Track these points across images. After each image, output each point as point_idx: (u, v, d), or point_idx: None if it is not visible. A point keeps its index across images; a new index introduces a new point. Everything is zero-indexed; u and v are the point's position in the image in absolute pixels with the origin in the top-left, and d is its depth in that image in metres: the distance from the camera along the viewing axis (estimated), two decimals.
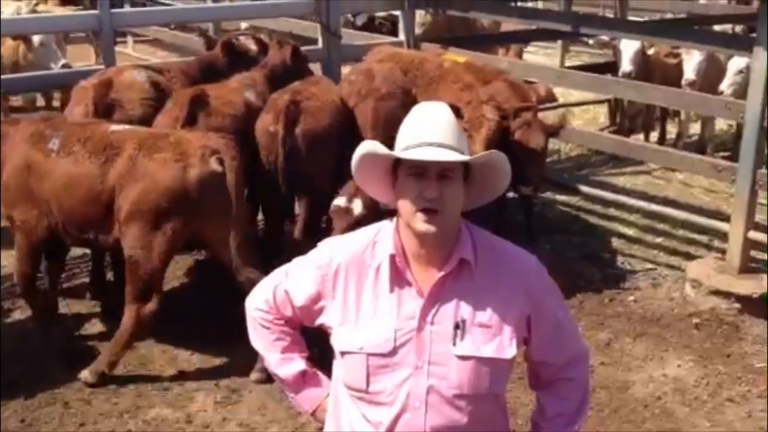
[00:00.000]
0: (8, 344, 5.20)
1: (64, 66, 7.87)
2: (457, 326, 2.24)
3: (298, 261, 2.48)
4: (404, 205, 2.25)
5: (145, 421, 4.56)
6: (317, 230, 5.69)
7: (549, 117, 8.61)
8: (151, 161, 4.76)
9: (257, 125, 5.72)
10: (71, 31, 8.52)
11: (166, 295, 5.67)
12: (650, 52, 8.72)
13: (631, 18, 10.71)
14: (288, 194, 5.85)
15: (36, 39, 7.87)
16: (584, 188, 7.32)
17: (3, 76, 6.74)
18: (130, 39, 12.64)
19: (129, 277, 4.82)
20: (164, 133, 5.03)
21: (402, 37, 7.89)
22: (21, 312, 5.63)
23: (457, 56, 6.91)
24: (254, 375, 4.86)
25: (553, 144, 8.71)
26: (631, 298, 6.06)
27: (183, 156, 4.76)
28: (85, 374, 4.84)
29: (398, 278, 2.28)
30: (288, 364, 2.53)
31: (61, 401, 4.71)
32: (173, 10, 9.20)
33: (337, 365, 2.38)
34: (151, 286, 4.81)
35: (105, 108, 5.66)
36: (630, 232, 7.12)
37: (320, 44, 7.47)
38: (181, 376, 4.94)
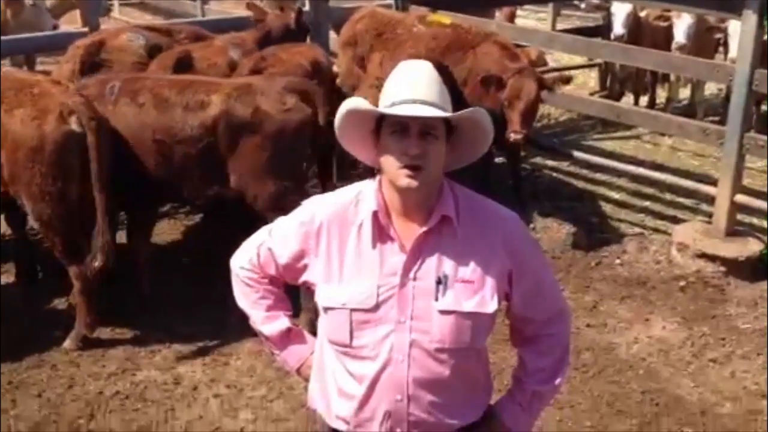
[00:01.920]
0: None
1: (54, 27, 7.79)
2: (439, 281, 2.25)
3: (281, 220, 2.48)
4: (387, 162, 2.25)
5: (133, 383, 4.58)
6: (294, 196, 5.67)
7: None
8: (12, 118, 4.62)
9: None
10: None
11: (155, 259, 5.72)
12: (642, 14, 8.67)
13: None
14: None
15: None
16: (573, 153, 7.31)
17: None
18: (116, 2, 12.50)
19: (47, 242, 4.83)
20: (30, 83, 4.80)
21: None
22: (7, 276, 5.63)
23: (442, 17, 6.86)
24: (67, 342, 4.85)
25: (543, 108, 8.70)
26: (618, 261, 6.10)
27: (41, 113, 4.59)
28: (67, 343, 4.85)
29: (381, 234, 2.29)
30: (273, 322, 2.55)
31: (48, 364, 4.73)
32: None
33: (321, 321, 2.39)
34: (72, 246, 4.73)
35: (92, 67, 5.61)
36: (618, 196, 7.14)
37: (307, 7, 7.40)
38: (170, 339, 4.95)
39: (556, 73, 6.48)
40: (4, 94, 4.68)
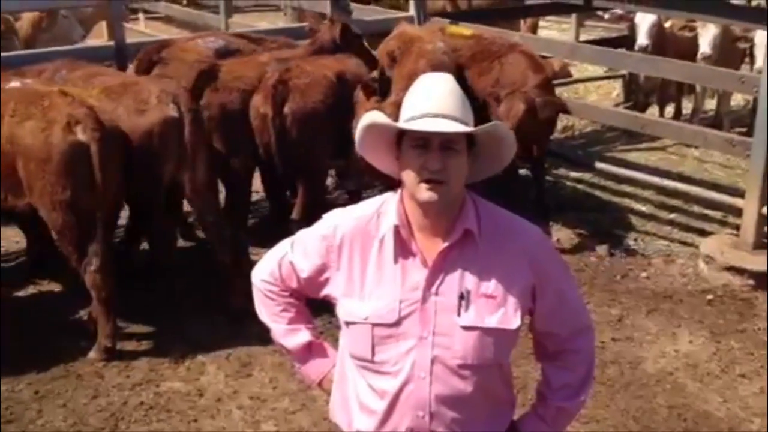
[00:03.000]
0: (22, 318, 5.26)
1: (82, 39, 7.94)
2: (461, 297, 2.24)
3: (302, 233, 2.48)
4: (408, 176, 2.24)
5: (157, 394, 4.60)
6: (317, 210, 5.63)
7: (563, 93, 8.60)
8: (23, 130, 4.73)
9: (250, 106, 5.66)
10: (81, 7, 8.49)
11: (178, 270, 5.75)
12: (667, 25, 8.61)
13: None
14: (286, 175, 5.81)
15: (62, 10, 7.95)
16: (598, 164, 7.27)
17: (17, 52, 6.75)
18: (141, 15, 12.64)
19: (63, 250, 4.92)
20: (42, 95, 4.90)
21: (412, 11, 7.82)
22: (34, 286, 5.68)
23: (463, 28, 6.87)
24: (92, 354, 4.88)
25: (567, 120, 8.68)
26: (644, 274, 6.03)
27: (49, 124, 4.70)
28: (92, 354, 4.88)
29: (403, 249, 2.28)
30: (294, 335, 2.55)
31: (74, 374, 4.76)
32: None
33: (343, 335, 2.39)
34: (85, 254, 4.76)
35: (149, 65, 5.84)
36: (643, 208, 7.08)
37: None
38: (193, 350, 4.97)
39: (570, 85, 6.43)
40: (17, 107, 4.80)
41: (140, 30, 11.43)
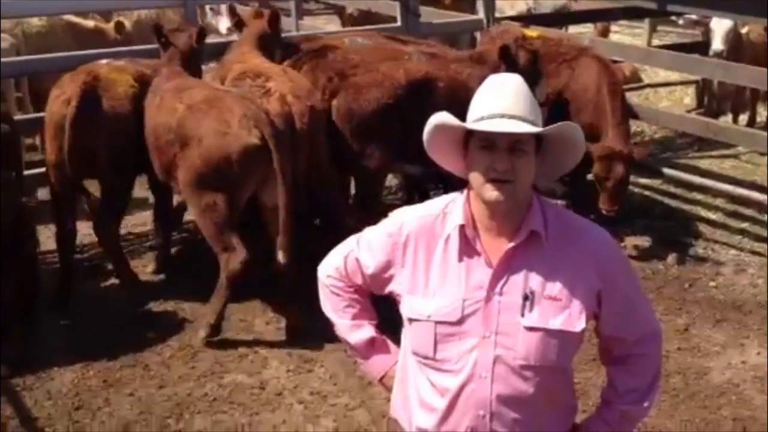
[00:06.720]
0: (93, 308, 5.43)
1: None
2: (525, 297, 2.23)
3: (369, 230, 2.51)
4: (475, 176, 2.25)
5: (221, 386, 4.70)
6: (374, 206, 5.61)
7: (633, 98, 8.46)
8: (200, 125, 4.97)
9: None
10: (156, 9, 8.66)
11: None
12: (743, 30, 8.39)
13: None
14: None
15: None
16: (668, 171, 7.14)
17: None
18: None
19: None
20: (218, 97, 5.10)
21: (481, 14, 7.79)
22: (105, 278, 5.86)
23: (529, 30, 6.83)
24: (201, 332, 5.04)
25: (637, 125, 8.53)
26: (713, 283, 5.91)
27: (227, 125, 4.90)
28: (201, 332, 5.05)
29: (467, 248, 2.29)
30: (358, 331, 2.57)
31: (141, 364, 4.90)
32: None
33: (406, 332, 2.40)
34: (225, 238, 4.96)
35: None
36: (714, 216, 6.92)
37: (399, 22, 7.46)
38: (257, 345, 5.07)
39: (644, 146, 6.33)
40: (199, 106, 5.03)
41: None
